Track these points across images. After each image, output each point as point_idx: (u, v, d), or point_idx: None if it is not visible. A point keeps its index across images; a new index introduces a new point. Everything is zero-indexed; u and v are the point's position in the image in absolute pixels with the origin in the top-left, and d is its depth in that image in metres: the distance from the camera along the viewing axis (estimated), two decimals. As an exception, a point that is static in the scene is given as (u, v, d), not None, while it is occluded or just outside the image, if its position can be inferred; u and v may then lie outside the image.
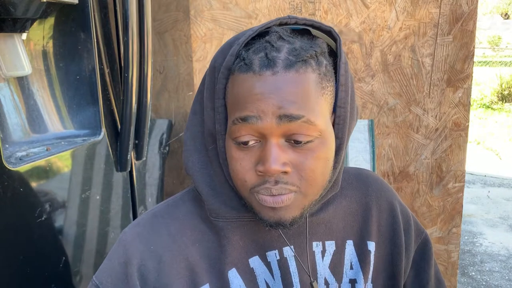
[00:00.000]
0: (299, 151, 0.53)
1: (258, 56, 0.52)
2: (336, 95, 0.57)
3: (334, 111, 0.57)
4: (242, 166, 0.54)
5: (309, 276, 0.61)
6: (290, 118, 0.50)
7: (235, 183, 0.56)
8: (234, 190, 0.59)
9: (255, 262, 0.60)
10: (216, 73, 0.56)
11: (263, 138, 0.52)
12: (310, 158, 0.53)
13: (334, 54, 0.59)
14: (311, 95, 0.52)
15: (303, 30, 0.57)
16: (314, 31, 0.57)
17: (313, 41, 0.55)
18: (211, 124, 0.58)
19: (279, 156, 0.51)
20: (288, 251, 0.62)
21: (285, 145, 0.53)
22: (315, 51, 0.53)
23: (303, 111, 0.51)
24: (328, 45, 0.58)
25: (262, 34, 0.55)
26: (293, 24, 0.57)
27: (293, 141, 0.52)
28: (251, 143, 0.53)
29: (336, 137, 0.57)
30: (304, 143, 0.52)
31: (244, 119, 0.51)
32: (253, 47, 0.53)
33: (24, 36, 0.84)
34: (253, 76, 0.51)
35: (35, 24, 0.88)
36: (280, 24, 0.56)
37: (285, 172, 0.52)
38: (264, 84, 0.50)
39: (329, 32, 0.58)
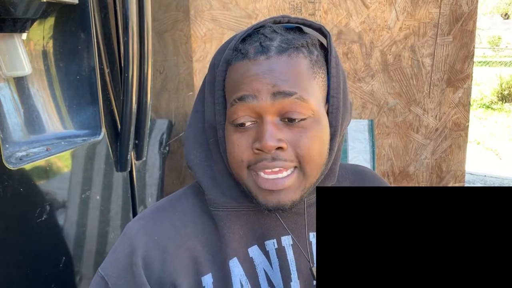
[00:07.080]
0: (294, 129, 0.55)
1: (253, 46, 0.56)
2: (328, 86, 0.60)
3: (328, 101, 0.60)
4: (239, 146, 0.56)
5: (309, 261, 0.62)
6: (284, 94, 0.53)
7: (232, 166, 0.58)
8: (234, 180, 0.61)
9: (254, 251, 0.61)
10: (216, 68, 0.60)
11: (259, 118, 0.55)
12: (305, 137, 0.55)
13: (326, 50, 0.62)
14: (303, 76, 0.55)
15: (296, 28, 0.61)
16: (306, 29, 0.61)
17: (304, 35, 0.59)
18: (212, 117, 0.61)
19: (274, 133, 0.54)
20: (286, 240, 0.63)
21: (280, 124, 0.55)
22: (306, 41, 0.57)
23: (295, 88, 0.54)
24: (319, 41, 0.62)
25: (257, 30, 0.59)
26: (286, 22, 0.60)
27: (287, 119, 0.55)
28: (248, 124, 0.55)
29: (330, 125, 0.59)
30: (298, 121, 0.55)
31: (240, 99, 0.54)
32: (249, 40, 0.57)
33: (24, 36, 0.84)
34: (248, 62, 0.55)
35: (35, 24, 0.88)
36: (274, 23, 0.60)
37: (281, 148, 0.54)
38: (259, 67, 0.54)
39: (319, 30, 0.61)
